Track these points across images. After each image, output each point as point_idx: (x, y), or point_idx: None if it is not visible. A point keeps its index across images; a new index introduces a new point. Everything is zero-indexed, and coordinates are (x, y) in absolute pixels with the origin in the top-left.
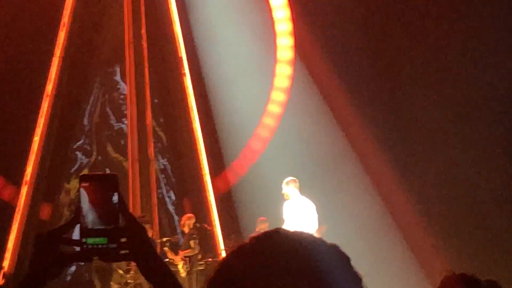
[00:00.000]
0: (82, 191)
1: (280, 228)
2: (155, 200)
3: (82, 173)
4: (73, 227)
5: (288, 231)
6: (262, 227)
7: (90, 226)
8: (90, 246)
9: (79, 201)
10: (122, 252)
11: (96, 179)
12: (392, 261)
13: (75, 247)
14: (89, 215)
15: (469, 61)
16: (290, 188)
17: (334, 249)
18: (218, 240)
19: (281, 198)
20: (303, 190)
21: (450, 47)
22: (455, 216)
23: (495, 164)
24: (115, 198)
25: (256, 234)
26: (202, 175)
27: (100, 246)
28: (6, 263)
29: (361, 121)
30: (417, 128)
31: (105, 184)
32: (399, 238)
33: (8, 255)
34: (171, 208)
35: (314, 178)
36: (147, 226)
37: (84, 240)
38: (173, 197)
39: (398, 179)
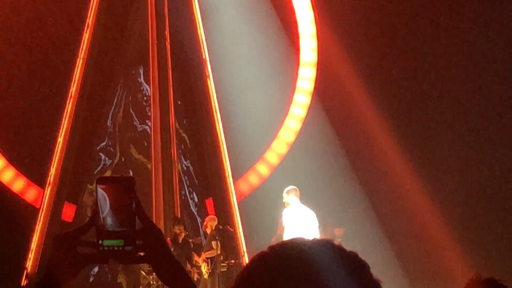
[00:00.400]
0: (99, 193)
1: (299, 238)
2: (178, 201)
3: (99, 176)
4: (90, 228)
5: (307, 240)
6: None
7: (106, 228)
8: (106, 248)
9: (96, 203)
10: (138, 254)
11: (113, 182)
12: (413, 264)
13: (92, 248)
14: (106, 217)
15: (492, 65)
16: (290, 197)
17: (353, 257)
18: (241, 242)
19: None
20: (308, 197)
21: (473, 50)
22: (477, 219)
23: None
24: (132, 201)
25: (276, 243)
26: (224, 177)
27: (116, 248)
28: (29, 264)
29: (383, 123)
30: (439, 131)
31: (122, 187)
32: (420, 241)
33: (31, 256)
34: (194, 209)
35: (335, 180)
36: (180, 228)
37: (100, 242)
38: (196, 199)
39: (420, 183)
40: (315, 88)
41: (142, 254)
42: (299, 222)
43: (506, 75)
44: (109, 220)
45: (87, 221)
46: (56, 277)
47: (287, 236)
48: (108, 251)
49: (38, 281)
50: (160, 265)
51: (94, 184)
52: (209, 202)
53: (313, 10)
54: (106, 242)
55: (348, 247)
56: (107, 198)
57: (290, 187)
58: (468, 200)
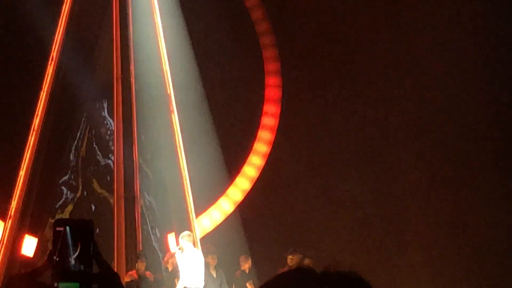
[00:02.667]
0: (57, 235)
1: (305, 267)
2: (140, 236)
3: (57, 218)
4: (46, 271)
5: (314, 271)
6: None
7: (63, 271)
8: None
9: (53, 244)
10: None
11: (71, 224)
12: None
13: None
14: (63, 260)
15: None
16: (184, 242)
17: (362, 282)
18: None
19: None
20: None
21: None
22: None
23: None
24: (90, 243)
25: (285, 271)
26: (187, 212)
27: None
28: None
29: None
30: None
31: (80, 230)
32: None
33: None
34: (155, 244)
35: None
36: (143, 262)
37: (56, 284)
38: (158, 234)
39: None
40: (279, 124)
41: None
42: (191, 265)
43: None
44: (66, 263)
45: (43, 262)
46: None
47: (181, 276)
48: None
49: None
50: None
51: (52, 225)
52: (170, 237)
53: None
54: (62, 285)
55: None
56: (65, 240)
57: (185, 232)
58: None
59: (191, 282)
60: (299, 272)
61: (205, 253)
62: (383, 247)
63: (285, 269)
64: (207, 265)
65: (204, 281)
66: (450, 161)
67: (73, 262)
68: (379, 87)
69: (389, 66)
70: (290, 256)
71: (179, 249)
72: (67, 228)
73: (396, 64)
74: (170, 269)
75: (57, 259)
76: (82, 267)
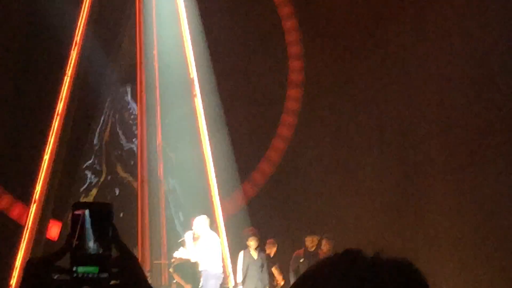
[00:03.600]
0: (75, 218)
1: (354, 250)
2: (163, 221)
3: (76, 201)
4: (65, 254)
5: (364, 254)
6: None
7: (81, 255)
8: (80, 275)
9: (71, 228)
10: (113, 282)
11: (90, 208)
12: None
13: (66, 275)
14: (82, 243)
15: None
16: (200, 225)
17: (416, 274)
18: (226, 262)
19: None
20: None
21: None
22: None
23: None
24: (109, 227)
25: (330, 256)
26: (211, 196)
27: (90, 276)
28: (13, 282)
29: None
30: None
31: (99, 213)
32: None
33: (15, 274)
34: (179, 229)
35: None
36: None
37: (74, 268)
38: (182, 218)
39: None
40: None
41: (117, 282)
42: (207, 249)
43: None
44: (84, 247)
45: (62, 246)
46: None
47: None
48: (82, 278)
49: None
50: None
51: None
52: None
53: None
54: (81, 269)
55: None
56: (83, 224)
57: (201, 216)
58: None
59: (209, 266)
60: (348, 256)
61: (246, 235)
62: (405, 234)
63: (302, 250)
64: (247, 248)
65: (246, 263)
66: (477, 147)
67: (91, 246)
68: (404, 68)
69: (415, 44)
70: (309, 238)
71: (194, 234)
72: (86, 211)
73: (422, 42)
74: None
75: (76, 242)
76: (101, 251)
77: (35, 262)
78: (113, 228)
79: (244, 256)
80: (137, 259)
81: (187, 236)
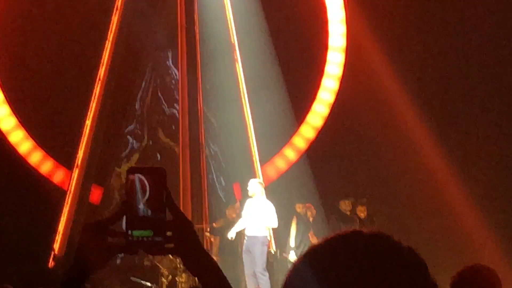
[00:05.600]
0: (129, 183)
1: (356, 230)
2: (205, 185)
3: (131, 166)
4: (120, 219)
5: (364, 233)
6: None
7: (136, 219)
8: (135, 239)
9: (126, 193)
10: (168, 245)
11: (144, 172)
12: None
13: (121, 238)
14: (136, 208)
15: None
16: (257, 188)
17: (411, 253)
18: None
19: None
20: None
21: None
22: None
23: None
24: (163, 191)
25: (331, 235)
26: (252, 161)
27: (145, 239)
28: (56, 246)
29: (414, 114)
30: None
31: (152, 178)
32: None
33: (58, 238)
34: (221, 193)
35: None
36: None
37: (130, 232)
38: (223, 183)
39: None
40: (344, 74)
41: (171, 245)
42: (262, 213)
43: None
44: (139, 211)
45: (117, 210)
46: (85, 266)
47: (242, 223)
48: (137, 241)
49: (67, 269)
50: (189, 256)
51: (123, 172)
52: (236, 186)
53: None
54: (136, 233)
55: None
56: (137, 188)
57: (256, 179)
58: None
59: (257, 231)
60: (348, 235)
61: (306, 207)
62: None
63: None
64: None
65: (301, 230)
66: None
67: (145, 210)
68: (452, 41)
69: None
70: (345, 201)
71: (251, 195)
72: (140, 175)
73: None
74: (232, 217)
75: (131, 207)
76: (155, 215)
77: (91, 226)
78: (167, 192)
79: (298, 223)
80: (191, 223)
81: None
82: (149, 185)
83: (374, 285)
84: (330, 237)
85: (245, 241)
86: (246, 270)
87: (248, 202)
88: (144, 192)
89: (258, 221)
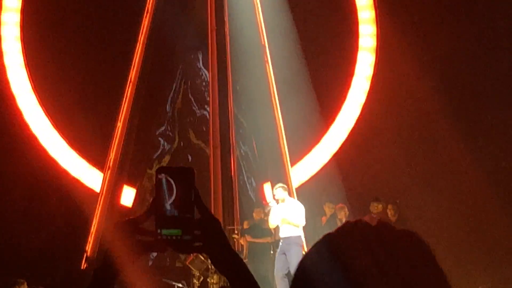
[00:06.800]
0: (159, 182)
1: (362, 220)
2: (236, 186)
3: (159, 166)
4: (149, 217)
5: (369, 224)
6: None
7: (166, 218)
8: (165, 237)
9: (156, 192)
10: (196, 244)
11: (173, 172)
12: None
13: (151, 237)
14: (165, 207)
15: None
16: (283, 193)
17: (415, 237)
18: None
19: None
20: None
21: None
22: None
23: None
24: (191, 191)
25: (342, 224)
26: (283, 162)
27: (174, 238)
28: (88, 247)
29: (444, 115)
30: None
31: (181, 177)
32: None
33: (90, 239)
34: (251, 194)
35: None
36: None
37: (159, 230)
38: (254, 183)
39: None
40: (375, 74)
41: (200, 244)
42: (289, 214)
43: None
44: (168, 210)
45: (146, 209)
46: (115, 264)
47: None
48: (166, 240)
49: (97, 267)
50: (217, 255)
51: (154, 173)
52: (266, 187)
53: None
54: (165, 231)
55: None
56: (166, 188)
57: (279, 184)
58: None
59: (291, 232)
60: (357, 224)
61: (339, 208)
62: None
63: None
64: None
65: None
66: None
67: (172, 210)
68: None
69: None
70: (374, 204)
71: (277, 200)
72: (167, 176)
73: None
74: (256, 218)
75: (160, 206)
76: (183, 214)
77: (122, 224)
78: (195, 191)
79: (328, 222)
80: (219, 222)
81: (272, 203)
82: (176, 185)
83: (381, 270)
84: (341, 225)
85: (280, 243)
86: (277, 272)
87: (278, 206)
88: (171, 192)
89: (290, 224)
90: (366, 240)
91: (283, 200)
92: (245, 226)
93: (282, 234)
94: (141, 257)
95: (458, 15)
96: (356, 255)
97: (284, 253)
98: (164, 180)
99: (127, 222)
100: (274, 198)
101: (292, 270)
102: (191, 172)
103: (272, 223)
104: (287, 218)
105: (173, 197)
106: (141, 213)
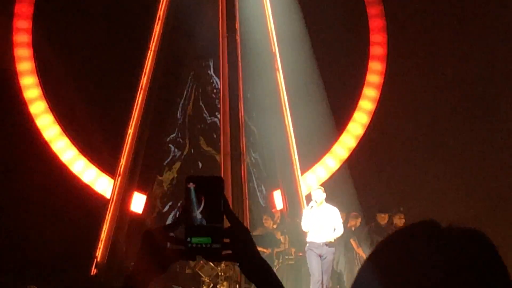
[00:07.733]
0: (189, 191)
1: (428, 220)
2: (246, 193)
3: (189, 174)
4: (179, 225)
5: (438, 223)
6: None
7: (195, 226)
8: (194, 245)
9: (185, 201)
10: (225, 252)
11: (203, 181)
12: None
13: (180, 245)
14: (195, 215)
15: None
16: (322, 196)
17: (484, 238)
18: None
19: None
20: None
21: None
22: None
23: None
24: (221, 199)
25: (407, 226)
26: (293, 169)
27: (204, 246)
28: (98, 253)
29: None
30: None
31: (211, 186)
32: None
33: (100, 245)
34: (261, 201)
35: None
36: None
37: (189, 239)
38: (264, 191)
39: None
40: (384, 82)
41: (229, 252)
42: (329, 219)
43: None
44: (197, 218)
45: (176, 218)
46: (145, 272)
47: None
48: (196, 248)
49: (126, 276)
50: (246, 263)
51: (170, 174)
52: (276, 194)
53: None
54: (195, 240)
55: None
56: (195, 197)
57: (319, 187)
58: None
59: (320, 237)
60: (422, 226)
61: (354, 216)
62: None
63: (373, 225)
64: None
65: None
66: None
67: (201, 219)
68: (489, 41)
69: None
70: (381, 215)
71: (318, 203)
72: (196, 185)
73: None
74: (266, 225)
75: (189, 215)
76: (213, 222)
77: (152, 232)
78: (224, 200)
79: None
80: (248, 230)
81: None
82: (205, 194)
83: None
84: (389, 236)
85: (316, 248)
86: (315, 277)
87: (314, 210)
88: (199, 201)
89: (330, 228)
90: (437, 243)
91: (321, 203)
92: (256, 233)
93: (322, 238)
94: (171, 266)
95: (468, 20)
96: (427, 260)
97: (320, 256)
98: (192, 189)
99: (157, 230)
100: (313, 200)
101: (326, 277)
102: (220, 180)
103: (310, 227)
104: (333, 223)
105: (200, 208)
106: (172, 221)
